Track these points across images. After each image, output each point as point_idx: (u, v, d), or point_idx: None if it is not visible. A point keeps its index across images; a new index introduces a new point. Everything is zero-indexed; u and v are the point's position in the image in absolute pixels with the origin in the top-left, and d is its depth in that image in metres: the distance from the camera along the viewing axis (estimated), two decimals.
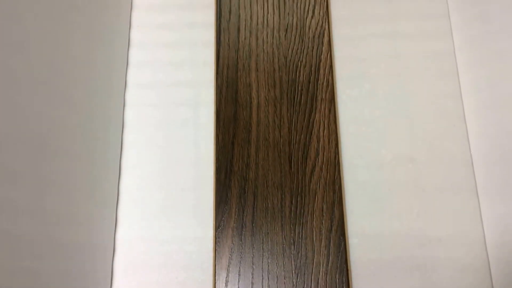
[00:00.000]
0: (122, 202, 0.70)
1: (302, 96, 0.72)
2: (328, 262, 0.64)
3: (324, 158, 0.69)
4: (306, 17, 0.76)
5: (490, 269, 0.65)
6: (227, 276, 0.65)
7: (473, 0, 0.71)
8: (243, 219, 0.67)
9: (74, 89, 0.61)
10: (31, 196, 0.50)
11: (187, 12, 0.79)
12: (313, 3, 0.77)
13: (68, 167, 0.58)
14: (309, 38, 0.75)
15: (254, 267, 0.65)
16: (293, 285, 0.64)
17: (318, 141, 0.70)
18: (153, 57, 0.77)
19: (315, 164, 0.69)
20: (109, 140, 0.70)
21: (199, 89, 0.75)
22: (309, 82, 0.73)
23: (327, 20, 0.76)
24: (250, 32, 0.76)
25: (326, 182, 0.68)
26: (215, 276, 0.65)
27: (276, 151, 0.70)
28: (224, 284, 0.64)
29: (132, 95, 0.75)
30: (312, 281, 0.64)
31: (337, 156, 0.69)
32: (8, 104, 0.46)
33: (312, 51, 0.74)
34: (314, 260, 0.65)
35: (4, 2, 0.47)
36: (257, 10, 0.77)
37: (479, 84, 0.69)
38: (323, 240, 0.66)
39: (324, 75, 0.73)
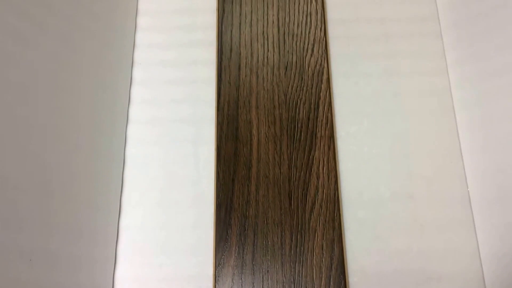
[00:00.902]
0: (122, 240, 0.70)
1: (302, 133, 0.73)
2: None
3: (324, 195, 0.70)
4: (306, 55, 0.78)
5: None
6: None
7: (469, 39, 0.73)
8: (243, 257, 0.67)
9: (77, 126, 0.61)
10: (34, 239, 0.50)
11: (189, 49, 0.81)
12: (312, 42, 0.78)
13: (69, 206, 0.58)
14: (308, 76, 0.77)
15: None
16: None
17: (318, 178, 0.71)
18: (155, 94, 0.78)
19: (315, 201, 0.69)
20: (110, 178, 0.70)
21: (200, 126, 0.76)
22: (308, 119, 0.74)
23: (326, 58, 0.77)
24: (251, 70, 0.77)
25: (326, 220, 0.69)
26: None
27: (276, 188, 0.70)
28: None
29: (133, 132, 0.76)
30: None
31: (336, 193, 0.70)
32: (13, 150, 0.47)
33: (312, 88, 0.76)
34: None
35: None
36: (258, 48, 0.79)
37: (475, 122, 0.70)
38: (323, 279, 0.66)
39: (323, 112, 0.74)
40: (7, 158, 0.46)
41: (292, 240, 0.68)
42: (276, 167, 0.71)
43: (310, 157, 0.72)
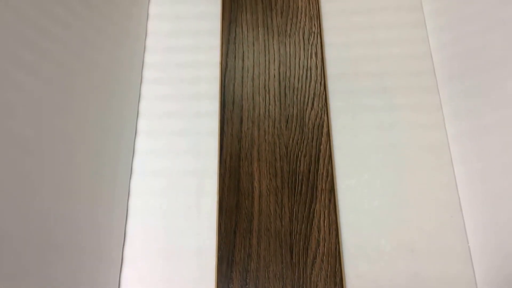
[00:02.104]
0: None
1: (303, 186, 0.74)
2: None
3: (325, 249, 0.70)
4: (306, 109, 0.80)
5: None
6: None
7: (464, 94, 0.75)
8: None
9: (81, 178, 0.62)
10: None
11: (192, 102, 0.83)
12: (312, 96, 0.81)
13: (71, 257, 0.58)
14: (309, 129, 0.78)
15: None
16: None
17: (319, 232, 0.71)
18: (158, 145, 0.80)
19: (316, 255, 0.70)
20: (113, 229, 0.70)
21: (202, 178, 0.77)
22: (309, 172, 0.75)
23: (326, 112, 0.79)
24: (253, 122, 0.79)
25: (327, 274, 0.68)
26: None
27: (278, 242, 0.71)
28: None
29: (136, 183, 0.77)
30: None
31: (337, 246, 0.70)
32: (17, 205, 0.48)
33: (312, 141, 0.77)
34: None
35: None
36: (259, 101, 0.81)
37: (474, 176, 0.72)
38: None
39: (324, 165, 0.76)
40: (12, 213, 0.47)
41: None
42: (277, 220, 0.72)
43: (311, 210, 0.73)
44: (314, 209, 0.73)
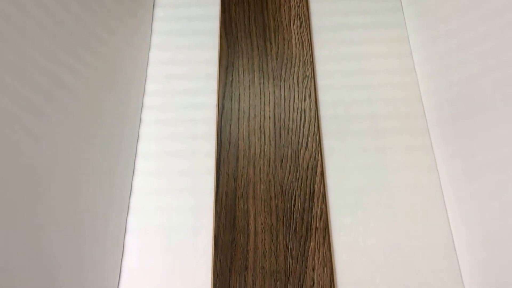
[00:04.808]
0: None
1: (298, 224, 0.75)
2: None
3: (320, 287, 0.70)
4: (300, 149, 0.82)
5: None
6: None
7: (455, 136, 0.77)
8: None
9: (78, 214, 0.63)
10: None
11: (190, 141, 0.85)
12: (306, 136, 0.83)
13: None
14: (303, 168, 0.80)
15: None
16: None
17: (314, 270, 0.71)
18: (156, 184, 0.81)
19: None
20: (108, 266, 0.71)
21: (199, 216, 0.78)
22: (303, 210, 0.76)
23: (319, 152, 0.82)
24: (248, 162, 0.81)
25: None
26: None
27: (273, 280, 0.71)
28: None
29: (133, 221, 0.78)
30: None
31: (332, 285, 0.70)
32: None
33: (306, 180, 0.79)
34: None
35: None
36: (255, 141, 0.83)
37: (467, 217, 0.72)
38: None
39: (318, 203, 0.77)
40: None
41: None
42: (272, 258, 0.73)
43: (306, 248, 0.73)
44: (308, 247, 0.73)
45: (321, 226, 0.75)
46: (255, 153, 0.82)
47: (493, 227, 0.66)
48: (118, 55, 0.81)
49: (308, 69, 0.90)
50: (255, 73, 0.90)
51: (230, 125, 0.85)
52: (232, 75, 0.90)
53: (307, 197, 0.78)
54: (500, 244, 0.65)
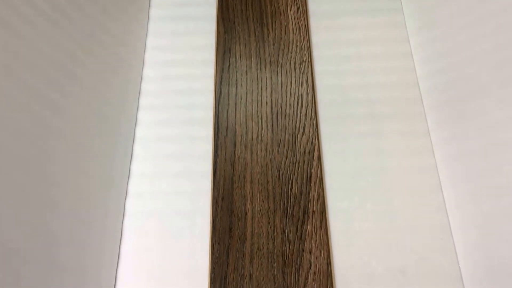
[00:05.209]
0: None
1: (295, 208, 0.76)
2: None
3: (317, 270, 0.71)
4: (297, 134, 0.82)
5: None
6: None
7: (451, 120, 0.77)
8: None
9: (76, 199, 0.64)
10: None
11: (187, 127, 0.85)
12: (303, 121, 0.83)
13: (57, 275, 0.59)
14: (300, 153, 0.80)
15: None
16: None
17: (311, 253, 0.72)
18: (153, 168, 0.82)
19: (308, 276, 0.70)
20: (106, 250, 0.71)
21: (196, 200, 0.78)
22: (301, 194, 0.77)
23: (316, 137, 0.82)
24: (246, 147, 0.81)
25: None
26: None
27: (270, 262, 0.71)
28: None
29: (131, 205, 0.78)
30: None
31: (329, 267, 0.71)
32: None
33: (304, 165, 0.79)
34: None
35: None
36: (252, 127, 0.83)
37: (462, 198, 0.73)
38: None
39: (315, 187, 0.77)
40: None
41: None
42: (269, 241, 0.73)
43: (303, 231, 0.74)
44: (305, 231, 0.74)
45: (318, 210, 0.75)
46: (252, 138, 0.82)
47: (488, 208, 0.66)
48: (115, 42, 0.81)
49: (305, 54, 0.90)
50: (252, 58, 0.90)
51: (227, 111, 0.85)
52: (229, 61, 0.90)
53: (304, 181, 0.78)
54: (494, 225, 0.65)
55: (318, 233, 0.74)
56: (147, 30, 0.96)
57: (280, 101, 0.86)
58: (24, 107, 0.52)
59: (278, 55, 0.90)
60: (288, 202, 0.76)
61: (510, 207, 0.62)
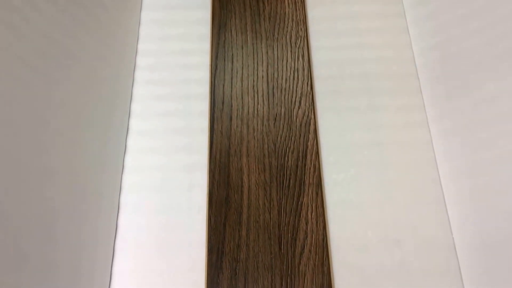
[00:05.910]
0: (115, 285, 0.71)
1: (291, 180, 0.76)
2: None
3: (313, 240, 0.71)
4: (294, 108, 0.82)
5: None
6: None
7: (446, 95, 0.78)
8: None
9: (73, 174, 0.64)
10: None
11: (184, 101, 0.85)
12: (299, 95, 0.83)
13: (56, 247, 0.59)
14: (296, 127, 0.81)
15: None
16: None
17: (307, 224, 0.73)
18: (151, 143, 0.82)
19: (304, 246, 0.71)
20: (104, 223, 0.71)
21: (193, 173, 0.79)
22: (297, 167, 0.77)
23: (312, 111, 0.82)
24: (242, 121, 0.81)
25: (315, 264, 0.70)
26: None
27: (266, 233, 0.72)
28: None
29: (128, 180, 0.79)
30: None
31: (325, 238, 0.72)
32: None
33: (300, 138, 0.80)
34: None
35: None
36: (248, 101, 0.83)
37: (457, 172, 0.74)
38: None
39: (311, 160, 0.78)
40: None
41: (282, 285, 0.69)
42: (266, 213, 0.74)
43: (299, 203, 0.74)
44: (301, 202, 0.74)
45: (314, 182, 0.76)
46: (248, 112, 0.82)
47: (481, 182, 0.67)
48: (109, 15, 0.80)
49: (301, 29, 0.90)
50: (248, 33, 0.89)
51: (223, 85, 0.85)
52: (225, 35, 0.89)
53: (300, 154, 0.78)
54: (488, 197, 0.66)
55: (314, 204, 0.74)
56: (141, 3, 0.95)
57: (276, 75, 0.86)
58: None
59: (274, 30, 0.90)
60: (284, 175, 0.77)
61: (503, 180, 0.63)
